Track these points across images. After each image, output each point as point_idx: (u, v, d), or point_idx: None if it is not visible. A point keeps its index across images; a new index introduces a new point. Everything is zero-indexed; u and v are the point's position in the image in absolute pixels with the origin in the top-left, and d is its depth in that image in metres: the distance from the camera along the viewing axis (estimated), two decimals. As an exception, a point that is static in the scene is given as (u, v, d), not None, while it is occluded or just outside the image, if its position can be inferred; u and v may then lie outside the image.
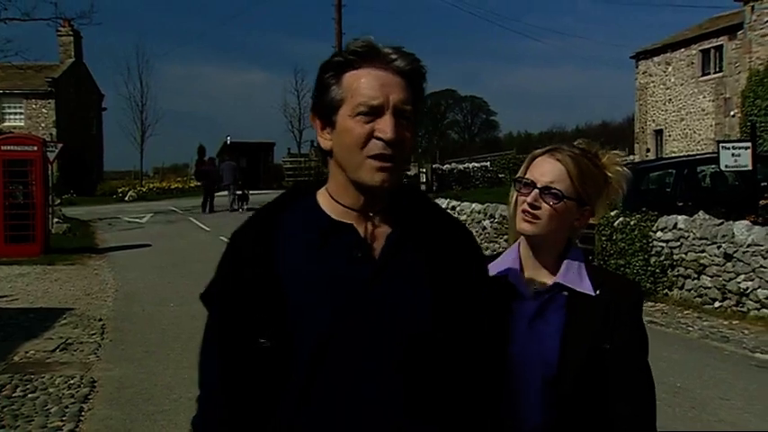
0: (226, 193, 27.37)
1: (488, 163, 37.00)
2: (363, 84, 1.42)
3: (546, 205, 1.77)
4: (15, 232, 16.67)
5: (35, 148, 17.47)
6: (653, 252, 10.44)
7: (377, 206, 1.48)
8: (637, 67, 39.13)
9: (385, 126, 1.40)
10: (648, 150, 37.55)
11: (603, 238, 11.33)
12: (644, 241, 10.56)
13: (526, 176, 1.82)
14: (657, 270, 10.34)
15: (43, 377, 6.67)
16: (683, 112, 35.71)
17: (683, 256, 9.99)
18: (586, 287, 1.77)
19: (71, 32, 44.53)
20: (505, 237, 13.81)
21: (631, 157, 36.70)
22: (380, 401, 1.41)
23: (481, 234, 15.94)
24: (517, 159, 37.79)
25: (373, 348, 1.41)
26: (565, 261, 1.81)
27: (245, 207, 26.16)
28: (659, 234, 10.39)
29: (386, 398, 1.41)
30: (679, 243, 10.07)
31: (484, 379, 1.51)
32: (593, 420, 1.71)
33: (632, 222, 10.85)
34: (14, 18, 22.23)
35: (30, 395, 6.17)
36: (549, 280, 1.81)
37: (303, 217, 1.50)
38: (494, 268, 1.81)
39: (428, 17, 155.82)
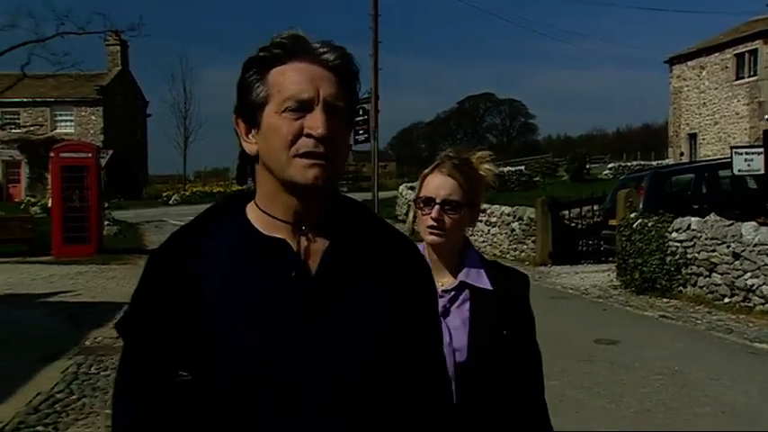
0: None
1: (523, 167, 37.49)
2: (291, 78, 1.29)
3: (448, 217, 1.97)
4: (72, 234, 17.84)
5: (90, 155, 18.67)
6: (668, 251, 11.08)
7: (311, 217, 1.33)
8: (671, 71, 39.34)
9: (315, 122, 1.27)
10: (682, 154, 37.75)
11: (623, 239, 12.00)
12: (660, 241, 11.21)
13: (424, 195, 2.01)
14: (672, 268, 10.98)
15: (112, 358, 7.59)
16: (718, 115, 35.89)
17: (696, 255, 10.63)
18: (485, 283, 1.97)
19: (118, 42, 46.07)
20: (532, 238, 14.57)
21: (667, 160, 36.93)
22: None
23: (510, 236, 16.67)
24: (549, 163, 38.30)
25: (311, 381, 1.25)
26: (466, 262, 2.02)
27: None
28: (674, 235, 11.02)
29: None
30: (692, 243, 10.70)
31: (434, 402, 1.39)
32: (498, 394, 1.92)
33: (650, 224, 11.49)
34: (71, 32, 23.61)
35: (102, 373, 7.08)
36: (452, 278, 2.00)
37: (229, 233, 1.35)
38: None
39: (466, 24, 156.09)
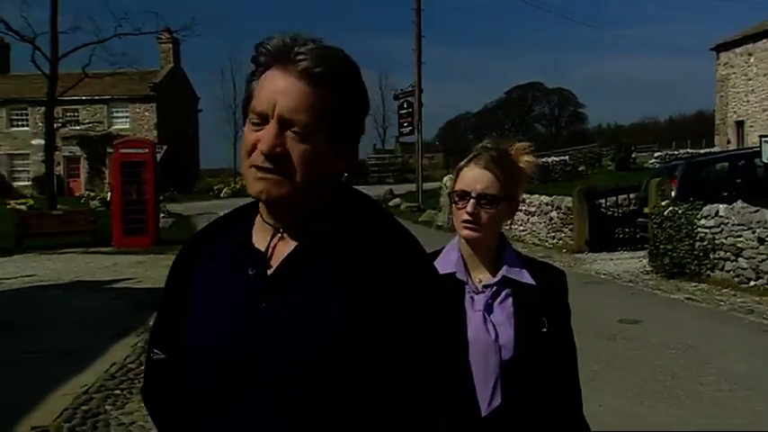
0: None
1: (567, 157, 37.67)
2: (260, 88, 1.29)
3: (484, 212, 1.91)
4: (131, 225, 18.91)
5: (147, 151, 19.73)
6: (697, 237, 11.50)
7: (291, 219, 1.33)
8: (717, 59, 39.00)
9: (262, 136, 1.26)
10: (729, 142, 37.49)
11: (655, 226, 12.45)
12: (689, 228, 11.64)
13: (459, 188, 1.96)
14: (701, 254, 11.41)
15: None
16: (767, 102, 35.53)
17: (723, 240, 11.05)
18: (527, 278, 1.93)
19: (171, 40, 47.45)
20: (570, 227, 15.07)
21: (715, 148, 36.64)
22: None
23: (548, 224, 17.18)
24: (592, 153, 38.37)
25: (262, 375, 1.25)
26: (504, 257, 1.97)
27: None
28: (703, 221, 11.44)
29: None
30: (720, 229, 11.12)
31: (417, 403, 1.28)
32: (541, 394, 1.88)
33: (680, 211, 11.93)
34: (128, 33, 24.83)
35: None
36: (492, 273, 1.95)
37: (236, 231, 1.41)
38: (440, 267, 1.86)
39: (513, 14, 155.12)
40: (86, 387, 6.29)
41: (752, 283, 10.50)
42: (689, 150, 41.94)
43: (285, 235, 1.34)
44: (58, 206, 24.84)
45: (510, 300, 1.91)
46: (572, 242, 16.10)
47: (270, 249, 1.34)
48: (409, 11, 29.17)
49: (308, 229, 1.32)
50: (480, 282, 1.94)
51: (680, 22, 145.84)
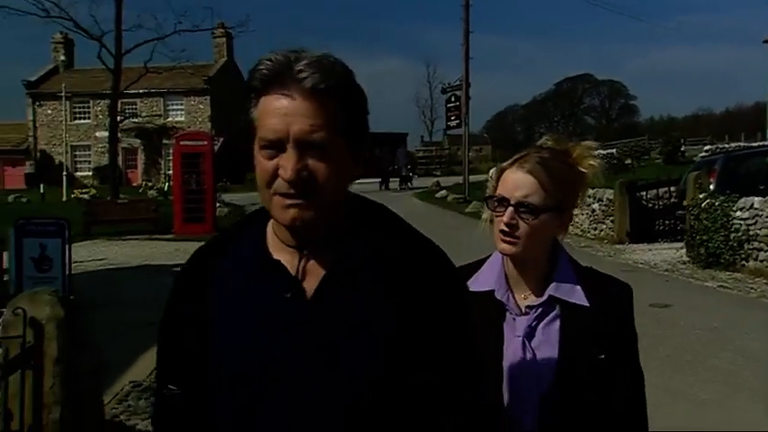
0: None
1: (614, 150, 37.80)
2: (266, 112, 1.26)
3: (523, 223, 1.67)
4: (191, 214, 19.90)
5: (205, 143, 20.71)
6: (732, 229, 11.96)
7: (315, 239, 1.31)
8: (770, 51, 38.58)
9: (286, 163, 1.24)
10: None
11: (692, 218, 12.92)
12: (725, 219, 12.10)
13: (498, 193, 1.73)
14: (735, 244, 11.87)
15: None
16: (819, 95, 35.10)
17: (758, 231, 11.50)
18: (579, 298, 1.70)
19: (224, 34, 48.74)
20: (611, 218, 15.58)
21: None
22: None
23: (590, 216, 17.69)
24: (639, 146, 38.40)
25: (306, 401, 1.25)
26: (555, 274, 1.73)
27: (411, 185, 31.81)
28: (738, 213, 11.90)
29: None
30: (754, 221, 11.58)
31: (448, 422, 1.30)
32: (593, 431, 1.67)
33: (716, 203, 12.39)
34: (187, 30, 26.03)
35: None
36: (539, 292, 1.73)
37: (246, 250, 1.38)
38: (478, 283, 1.75)
39: (563, 6, 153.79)
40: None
41: (783, 273, 10.96)
42: (740, 144, 41.58)
43: (310, 255, 1.32)
44: (121, 195, 26.18)
45: (557, 323, 1.70)
46: (613, 233, 16.59)
47: (300, 272, 1.31)
48: (458, 5, 29.71)
49: (335, 248, 1.31)
50: (525, 300, 1.74)
51: (736, 10, 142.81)
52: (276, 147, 1.25)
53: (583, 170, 1.76)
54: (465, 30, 28.67)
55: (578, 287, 1.72)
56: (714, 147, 40.43)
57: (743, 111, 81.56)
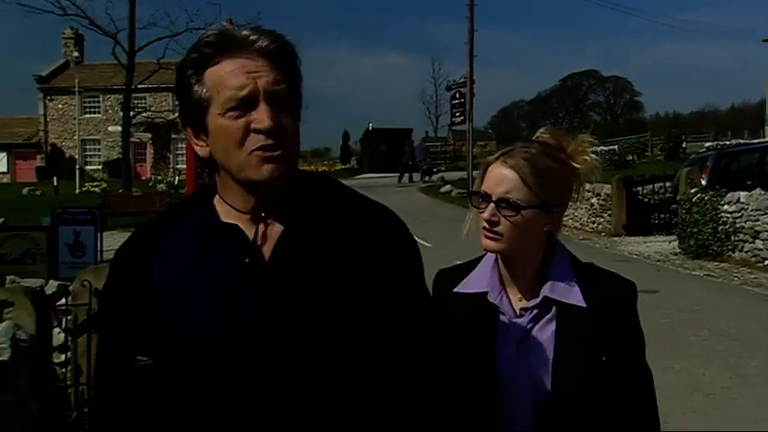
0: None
1: (616, 147, 38.39)
2: (226, 76, 1.27)
3: (504, 219, 1.63)
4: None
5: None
6: (720, 221, 12.69)
7: (268, 204, 1.32)
8: (770, 50, 39.08)
9: (260, 115, 1.26)
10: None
11: (683, 211, 13.63)
12: (713, 213, 12.83)
13: (482, 189, 1.68)
14: (723, 236, 12.60)
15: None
16: (818, 93, 35.65)
17: (743, 224, 12.24)
18: (576, 298, 1.64)
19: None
20: (609, 212, 16.30)
21: None
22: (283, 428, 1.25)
23: (589, 210, 18.41)
24: (639, 143, 39.00)
25: (268, 365, 1.25)
26: (551, 272, 1.67)
27: (431, 179, 33.63)
28: (726, 207, 12.63)
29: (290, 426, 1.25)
30: (740, 214, 12.32)
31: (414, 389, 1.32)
32: None
33: (705, 198, 13.11)
34: (199, 27, 26.75)
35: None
36: (534, 294, 1.67)
37: (192, 223, 1.37)
38: (470, 285, 1.73)
39: (568, 2, 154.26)
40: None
41: (766, 262, 11.68)
42: (741, 141, 42.11)
43: (269, 221, 1.33)
44: (133, 189, 26.99)
45: (552, 325, 1.64)
46: (610, 227, 17.31)
47: (258, 235, 1.32)
48: (463, 4, 30.27)
49: (287, 213, 1.33)
50: (520, 303, 1.68)
51: (741, 6, 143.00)
52: (246, 105, 1.27)
53: (576, 165, 1.71)
54: (470, 29, 29.26)
55: (575, 287, 1.66)
56: (715, 143, 41.04)
57: (749, 107, 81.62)
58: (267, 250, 1.32)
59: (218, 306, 1.28)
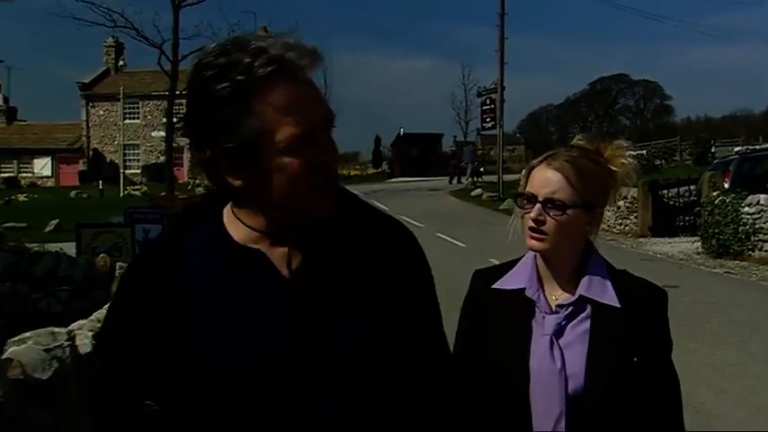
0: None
1: (644, 151, 38.87)
2: (291, 111, 1.19)
3: (550, 219, 1.68)
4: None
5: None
6: (741, 222, 13.44)
7: (290, 225, 1.27)
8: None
9: (326, 148, 1.23)
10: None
11: (706, 213, 14.38)
12: (734, 214, 13.58)
13: (527, 190, 1.73)
14: (743, 236, 13.36)
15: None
16: None
17: (763, 225, 13.01)
18: (611, 298, 1.70)
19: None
20: (635, 214, 17.08)
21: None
22: None
23: (616, 212, 19.17)
24: (666, 147, 39.45)
25: (300, 389, 1.23)
26: (587, 272, 1.73)
27: (480, 179, 35.06)
28: (746, 209, 13.39)
29: None
30: (760, 215, 13.08)
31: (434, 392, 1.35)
32: None
33: (727, 200, 13.86)
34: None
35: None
36: (570, 292, 1.73)
37: (204, 244, 1.29)
38: (509, 281, 1.79)
39: (598, 6, 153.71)
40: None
41: (785, 261, 12.44)
42: (771, 145, 42.24)
43: (290, 241, 1.28)
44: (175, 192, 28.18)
45: (587, 323, 1.70)
46: (636, 228, 18.08)
47: (282, 261, 1.27)
48: (494, 12, 31.01)
49: (309, 232, 1.28)
50: (555, 300, 1.75)
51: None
52: (310, 137, 1.20)
53: (614, 169, 1.76)
54: (500, 37, 29.96)
55: (610, 288, 1.72)
56: (744, 148, 41.23)
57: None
58: (295, 273, 1.27)
59: (257, 334, 1.23)
